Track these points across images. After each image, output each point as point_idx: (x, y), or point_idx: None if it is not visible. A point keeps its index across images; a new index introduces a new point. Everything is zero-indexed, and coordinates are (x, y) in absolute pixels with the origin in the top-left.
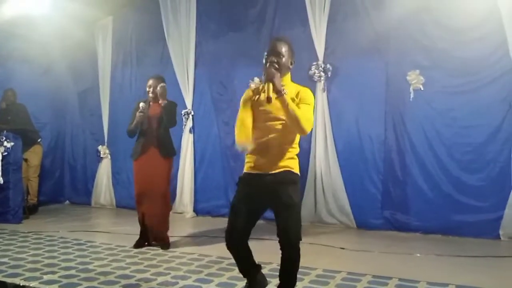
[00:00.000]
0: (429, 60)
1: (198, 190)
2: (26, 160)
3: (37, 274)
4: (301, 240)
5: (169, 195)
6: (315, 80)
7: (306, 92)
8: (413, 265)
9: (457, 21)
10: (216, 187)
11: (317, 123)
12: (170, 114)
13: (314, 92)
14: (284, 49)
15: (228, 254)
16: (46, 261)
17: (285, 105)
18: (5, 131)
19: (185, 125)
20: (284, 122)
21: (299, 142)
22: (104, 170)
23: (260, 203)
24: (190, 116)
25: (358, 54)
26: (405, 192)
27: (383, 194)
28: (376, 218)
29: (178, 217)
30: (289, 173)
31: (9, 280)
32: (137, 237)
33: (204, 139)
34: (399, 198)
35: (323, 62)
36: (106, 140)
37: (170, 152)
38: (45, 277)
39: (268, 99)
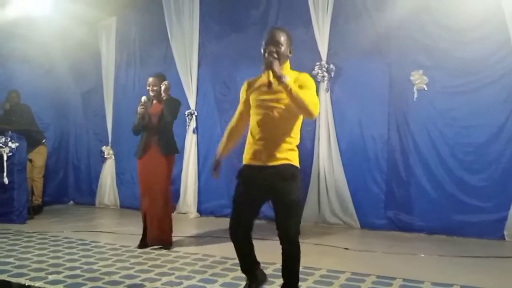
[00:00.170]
0: (430, 60)
1: (202, 191)
2: (30, 160)
3: (42, 274)
4: (299, 234)
5: (169, 194)
6: (319, 80)
7: (305, 77)
8: (417, 265)
9: (458, 21)
10: (220, 188)
11: (321, 123)
12: (169, 106)
13: (317, 92)
14: (282, 38)
15: (232, 254)
16: (51, 261)
17: (288, 90)
18: (9, 132)
19: (188, 125)
20: (281, 110)
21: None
22: (108, 171)
23: (260, 196)
24: (194, 117)
25: (361, 55)
26: (408, 192)
27: (387, 194)
28: (380, 218)
29: (181, 218)
30: (289, 166)
31: (14, 280)
32: (141, 237)
33: (208, 139)
34: (403, 198)
35: (327, 63)
36: (110, 141)
37: (170, 150)
38: (50, 277)
39: (269, 84)
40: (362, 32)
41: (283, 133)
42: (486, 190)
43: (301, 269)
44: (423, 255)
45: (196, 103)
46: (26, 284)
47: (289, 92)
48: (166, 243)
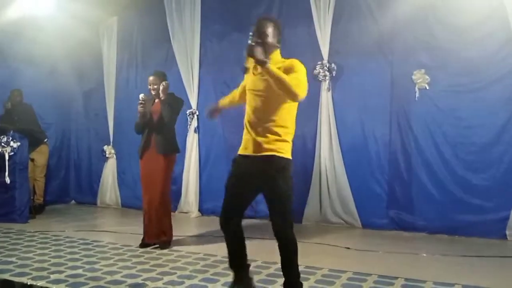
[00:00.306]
0: (432, 59)
1: (203, 190)
2: (32, 160)
3: (44, 273)
4: (292, 225)
5: (168, 194)
6: (320, 79)
7: (292, 61)
8: (419, 265)
9: (461, 19)
10: (221, 187)
11: (322, 123)
12: (168, 107)
13: (319, 92)
14: (269, 29)
15: None
16: (53, 261)
17: (270, 73)
18: (11, 131)
19: (190, 125)
20: (265, 97)
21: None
22: (110, 170)
23: (250, 187)
24: (195, 116)
25: (362, 54)
26: (410, 191)
27: (388, 194)
28: (381, 217)
29: (183, 217)
30: (276, 158)
31: (16, 279)
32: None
33: (209, 139)
34: (404, 197)
35: (328, 62)
36: (111, 140)
37: (168, 149)
38: (52, 277)
39: (246, 69)
40: (363, 31)
41: (270, 123)
42: (488, 189)
43: (302, 268)
44: (425, 255)
45: (198, 103)
46: (29, 284)
47: (271, 73)
48: (165, 242)
